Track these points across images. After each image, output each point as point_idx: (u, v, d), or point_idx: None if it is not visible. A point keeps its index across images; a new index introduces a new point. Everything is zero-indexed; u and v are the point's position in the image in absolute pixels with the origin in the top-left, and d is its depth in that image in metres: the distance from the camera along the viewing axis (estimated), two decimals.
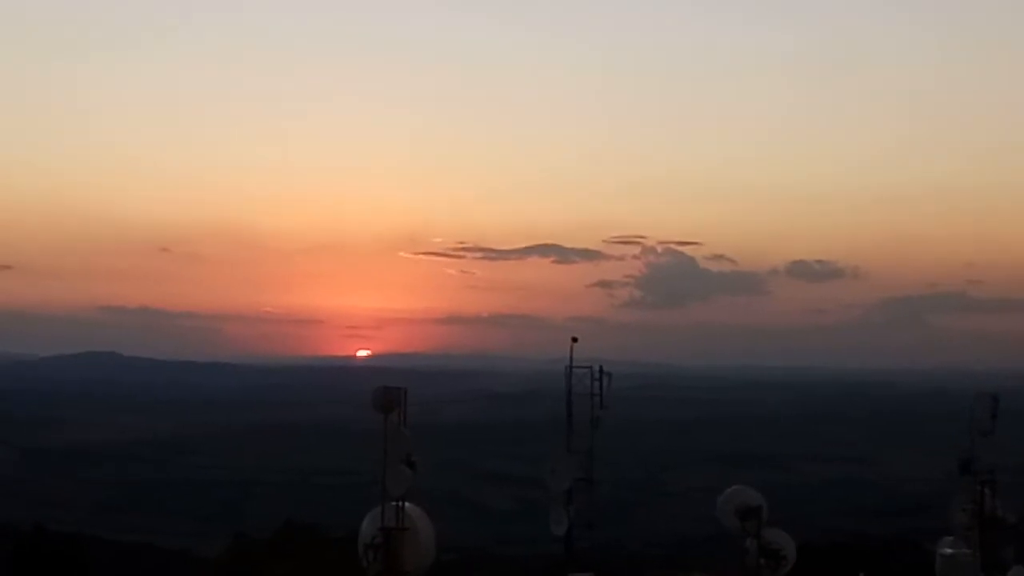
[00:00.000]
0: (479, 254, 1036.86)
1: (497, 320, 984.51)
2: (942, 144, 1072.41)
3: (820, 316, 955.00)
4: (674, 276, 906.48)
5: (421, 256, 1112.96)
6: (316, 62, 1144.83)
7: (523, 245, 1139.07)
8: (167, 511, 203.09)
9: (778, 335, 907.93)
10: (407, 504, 32.17)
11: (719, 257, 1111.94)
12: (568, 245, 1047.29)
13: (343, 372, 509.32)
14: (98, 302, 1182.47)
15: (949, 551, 37.72)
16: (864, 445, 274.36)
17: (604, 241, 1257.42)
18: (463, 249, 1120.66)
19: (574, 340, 37.36)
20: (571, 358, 37.24)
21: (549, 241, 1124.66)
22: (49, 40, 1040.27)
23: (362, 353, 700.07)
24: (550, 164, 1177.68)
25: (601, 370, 37.25)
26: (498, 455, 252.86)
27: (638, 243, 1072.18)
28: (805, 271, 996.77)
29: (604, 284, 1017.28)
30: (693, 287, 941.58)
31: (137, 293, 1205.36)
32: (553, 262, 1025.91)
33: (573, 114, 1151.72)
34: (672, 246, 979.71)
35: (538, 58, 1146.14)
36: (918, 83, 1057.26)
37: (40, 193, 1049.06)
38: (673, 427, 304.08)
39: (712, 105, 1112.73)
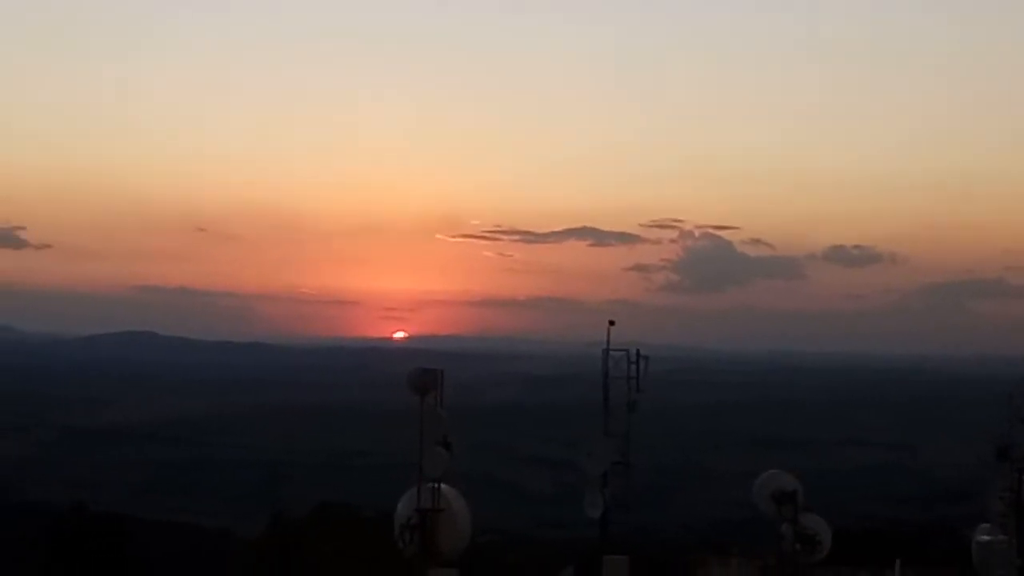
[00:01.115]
0: (516, 237, 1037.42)
1: (533, 303, 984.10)
2: (981, 129, 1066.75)
3: (857, 301, 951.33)
4: (711, 260, 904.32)
5: (458, 238, 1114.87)
6: (356, 47, 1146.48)
7: (560, 228, 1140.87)
8: (204, 491, 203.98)
9: (815, 320, 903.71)
10: (443, 485, 32.26)
11: (756, 241, 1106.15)
12: (605, 228, 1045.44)
13: (379, 354, 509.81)
14: (136, 282, 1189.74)
15: (985, 538, 37.62)
16: (900, 431, 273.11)
17: (641, 224, 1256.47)
18: (500, 232, 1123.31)
19: (611, 323, 37.33)
20: (608, 341, 37.23)
21: (586, 224, 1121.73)
22: (89, 23, 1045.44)
23: (398, 335, 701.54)
24: (588, 147, 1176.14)
25: (638, 353, 37.22)
26: (534, 438, 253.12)
27: (675, 227, 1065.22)
28: (843, 256, 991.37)
29: (641, 268, 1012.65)
30: (730, 271, 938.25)
31: (175, 273, 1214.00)
32: (590, 245, 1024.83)
33: (612, 97, 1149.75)
34: (709, 230, 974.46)
35: (576, 41, 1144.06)
36: (959, 68, 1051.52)
37: (78, 174, 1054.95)
38: (709, 411, 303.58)
39: (751, 89, 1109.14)
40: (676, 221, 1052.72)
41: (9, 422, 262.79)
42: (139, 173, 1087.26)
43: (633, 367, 37.11)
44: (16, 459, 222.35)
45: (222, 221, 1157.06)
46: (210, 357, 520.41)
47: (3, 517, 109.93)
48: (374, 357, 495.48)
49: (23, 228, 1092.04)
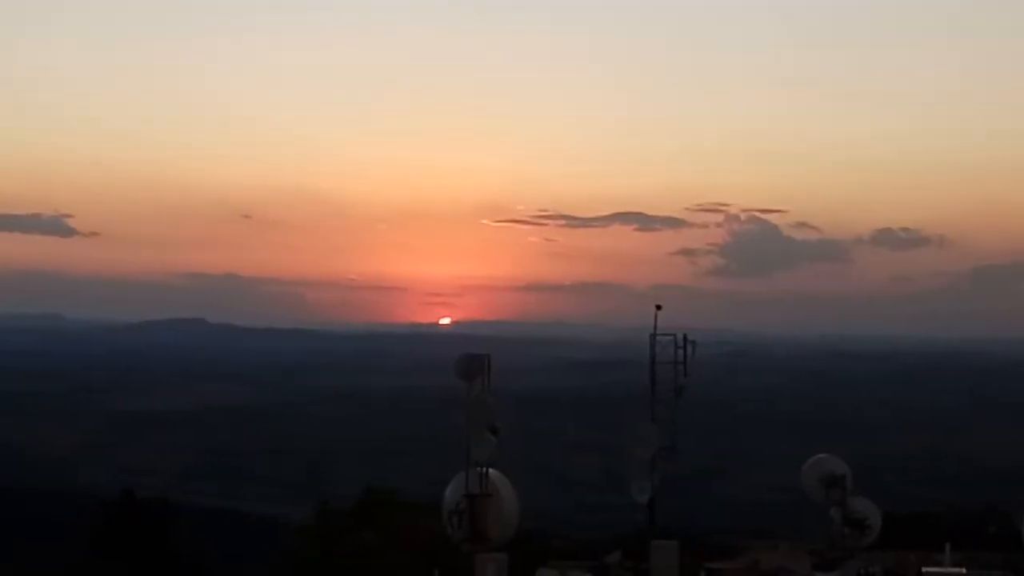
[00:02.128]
0: (561, 221, 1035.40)
1: (579, 288, 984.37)
2: None
3: (905, 284, 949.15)
4: (758, 244, 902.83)
5: (503, 223, 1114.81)
6: (400, 31, 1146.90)
7: (606, 212, 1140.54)
8: (251, 477, 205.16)
9: (862, 303, 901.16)
10: (491, 470, 32.20)
11: (803, 225, 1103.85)
12: (651, 212, 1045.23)
13: (425, 339, 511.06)
14: (184, 269, 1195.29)
15: None
16: (950, 414, 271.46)
17: (687, 209, 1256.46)
18: (545, 217, 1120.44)
19: (658, 308, 37.20)
20: (655, 326, 37.09)
21: (632, 209, 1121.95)
22: (134, 10, 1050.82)
23: (444, 321, 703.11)
24: (633, 131, 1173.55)
25: (685, 338, 37.09)
26: (580, 423, 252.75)
27: (721, 211, 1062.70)
28: (890, 239, 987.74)
29: (687, 252, 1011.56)
30: (777, 255, 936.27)
31: (222, 260, 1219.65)
32: (636, 230, 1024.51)
33: (657, 80, 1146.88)
34: (756, 213, 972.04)
35: (621, 23, 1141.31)
36: (1008, 49, 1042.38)
37: (125, 162, 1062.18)
38: (757, 395, 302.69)
39: (796, 71, 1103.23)
40: (722, 205, 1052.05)
41: (58, 409, 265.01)
42: (186, 160, 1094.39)
43: (680, 352, 37.00)
44: (65, 445, 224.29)
45: (268, 207, 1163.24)
46: (257, 343, 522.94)
47: (52, 503, 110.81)
48: (420, 343, 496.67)
49: (71, 216, 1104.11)
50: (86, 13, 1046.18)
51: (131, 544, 54.36)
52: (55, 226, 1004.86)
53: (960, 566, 36.88)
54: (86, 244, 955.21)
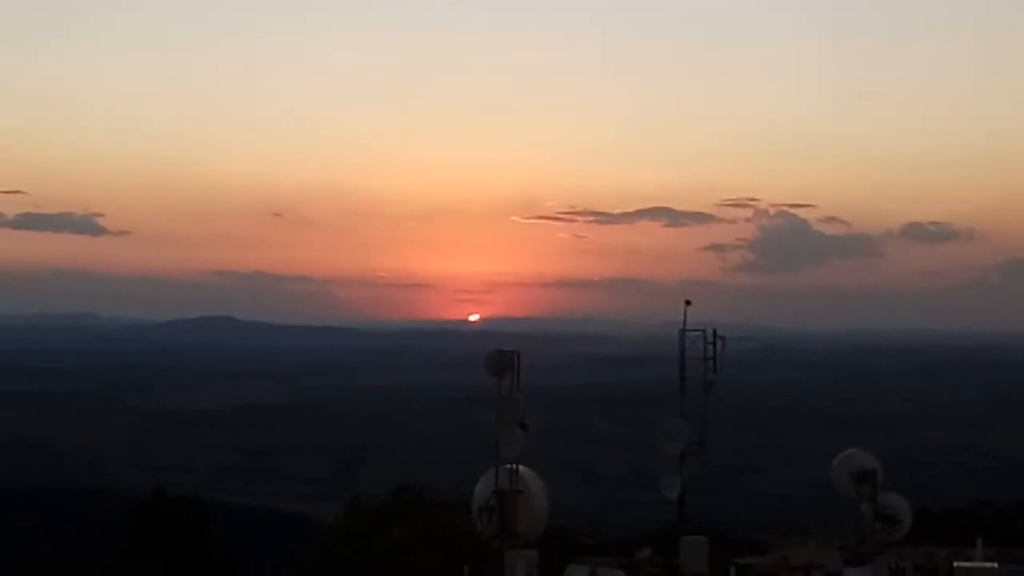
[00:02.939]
0: (590, 218, 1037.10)
1: (608, 284, 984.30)
2: None
3: (935, 279, 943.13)
4: (787, 238, 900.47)
5: (533, 220, 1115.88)
6: (430, 30, 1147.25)
7: (634, 208, 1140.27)
8: (282, 474, 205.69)
9: (892, 298, 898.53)
10: (521, 467, 32.21)
11: (832, 219, 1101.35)
12: (679, 208, 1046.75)
13: (454, 336, 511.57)
14: (213, 267, 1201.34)
15: None
16: (981, 409, 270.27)
17: (716, 204, 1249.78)
18: (574, 213, 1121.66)
19: (687, 303, 37.13)
20: (684, 321, 37.04)
21: (660, 204, 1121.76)
22: (164, 12, 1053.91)
23: (473, 317, 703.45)
24: (661, 127, 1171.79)
25: (715, 333, 37.02)
26: (610, 419, 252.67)
27: (750, 206, 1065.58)
28: (920, 233, 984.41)
29: (716, 247, 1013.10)
30: (806, 250, 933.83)
31: (252, 258, 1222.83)
32: (664, 225, 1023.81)
33: (685, 76, 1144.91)
34: (785, 208, 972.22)
35: (650, 20, 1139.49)
36: None
37: (155, 161, 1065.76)
38: (786, 390, 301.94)
39: (825, 67, 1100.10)
40: (751, 200, 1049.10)
41: (90, 407, 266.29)
42: (215, 159, 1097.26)
43: (710, 347, 36.92)
44: (97, 443, 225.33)
45: (298, 206, 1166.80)
46: (287, 341, 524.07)
47: (85, 500, 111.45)
48: (449, 339, 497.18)
49: (102, 215, 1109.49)
50: (114, 13, 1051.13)
51: (164, 542, 54.60)
52: (86, 225, 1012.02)
53: (992, 561, 36.74)
54: (117, 243, 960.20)
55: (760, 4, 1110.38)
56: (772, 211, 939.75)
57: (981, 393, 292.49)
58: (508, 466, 31.97)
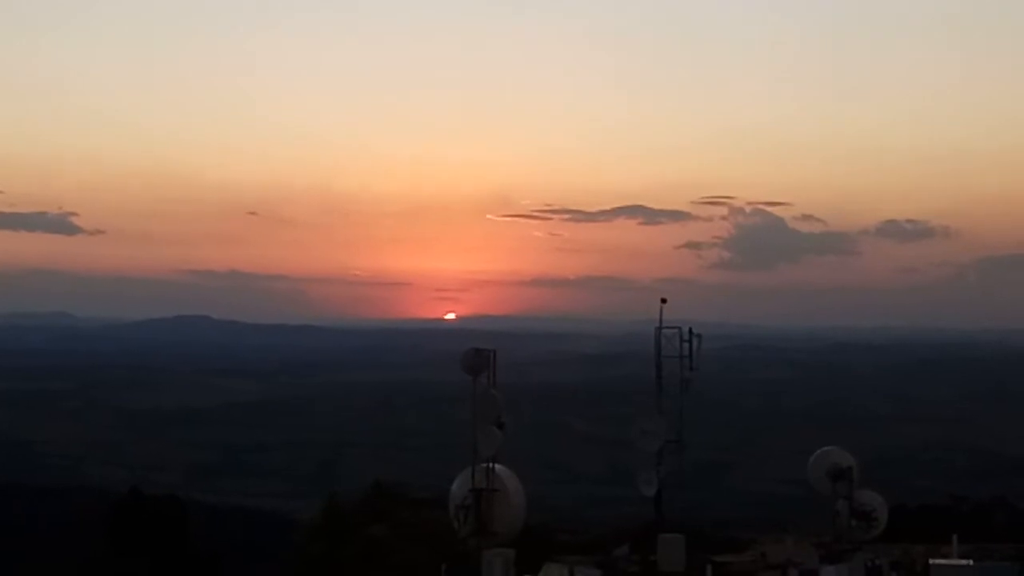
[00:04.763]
0: (566, 216, 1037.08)
1: (584, 282, 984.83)
2: None
3: (911, 276, 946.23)
4: (763, 236, 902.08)
5: (508, 218, 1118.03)
6: (404, 28, 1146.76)
7: (610, 207, 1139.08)
8: (259, 473, 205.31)
9: (868, 295, 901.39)
10: (497, 465, 32.27)
11: (808, 217, 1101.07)
12: (655, 206, 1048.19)
13: (431, 334, 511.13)
14: (189, 266, 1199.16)
15: None
16: (956, 406, 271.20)
17: (692, 202, 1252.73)
18: (550, 211, 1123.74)
19: (663, 301, 37.21)
20: (660, 319, 37.12)
21: (636, 202, 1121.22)
22: (141, 11, 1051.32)
23: (449, 316, 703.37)
24: (637, 125, 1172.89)
25: (691, 331, 37.11)
26: (586, 417, 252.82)
27: (726, 203, 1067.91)
28: (896, 231, 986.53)
29: (692, 245, 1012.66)
30: (782, 247, 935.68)
31: (227, 257, 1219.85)
32: (640, 223, 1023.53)
33: (661, 74, 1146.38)
34: (761, 206, 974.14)
35: (625, 18, 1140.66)
36: (1009, 40, 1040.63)
37: (129, 160, 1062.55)
38: (763, 388, 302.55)
39: (801, 65, 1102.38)
40: (727, 198, 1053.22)
41: (66, 406, 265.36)
42: (191, 157, 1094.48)
43: (686, 345, 37.00)
44: (74, 442, 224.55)
45: (273, 204, 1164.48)
46: (263, 340, 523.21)
47: (61, 499, 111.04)
48: (426, 338, 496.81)
49: (76, 214, 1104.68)
50: (88, 12, 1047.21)
51: (142, 541, 54.50)
52: (60, 224, 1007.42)
53: (967, 558, 36.91)
54: (91, 242, 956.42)
55: (737, 3, 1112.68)
56: (748, 209, 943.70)
57: (957, 390, 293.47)
58: (485, 464, 32.03)
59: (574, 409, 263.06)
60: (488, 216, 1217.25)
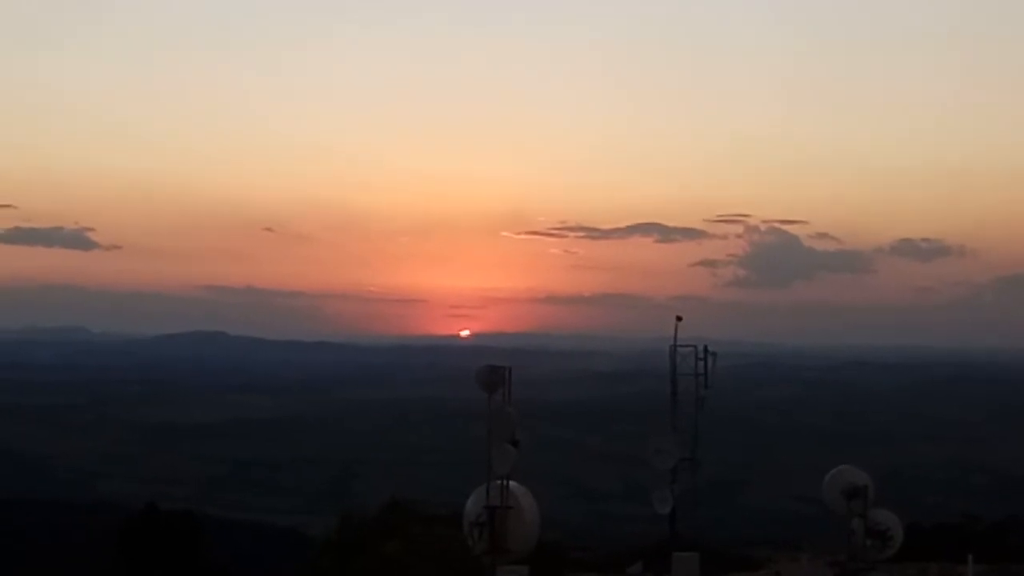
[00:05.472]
0: (581, 233, 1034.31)
1: (599, 299, 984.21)
2: None
3: (927, 295, 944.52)
4: (778, 255, 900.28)
5: (523, 235, 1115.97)
6: (421, 44, 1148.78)
7: (625, 224, 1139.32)
8: (274, 489, 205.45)
9: (884, 314, 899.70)
10: (512, 483, 32.25)
11: (824, 235, 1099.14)
12: (671, 224, 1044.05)
13: (445, 351, 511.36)
14: (205, 282, 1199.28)
15: None
16: (972, 425, 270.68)
17: (707, 220, 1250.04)
18: (565, 228, 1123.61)
19: (678, 319, 37.17)
20: (675, 337, 37.08)
21: (651, 220, 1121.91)
22: (157, 26, 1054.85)
23: (464, 333, 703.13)
24: (653, 142, 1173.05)
25: (706, 349, 37.04)
26: (602, 434, 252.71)
27: (741, 221, 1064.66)
28: (911, 249, 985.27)
29: (707, 263, 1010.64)
30: (798, 266, 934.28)
31: (243, 273, 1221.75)
32: (655, 241, 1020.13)
33: (677, 91, 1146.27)
34: (776, 224, 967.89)
35: (639, 34, 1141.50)
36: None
37: (146, 175, 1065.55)
38: (778, 406, 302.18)
39: (817, 82, 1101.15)
40: (742, 216, 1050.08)
41: (81, 421, 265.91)
42: (207, 172, 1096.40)
43: (701, 363, 36.96)
44: (88, 457, 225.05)
45: (289, 220, 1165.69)
46: (279, 356, 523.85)
47: (76, 514, 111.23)
48: (441, 355, 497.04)
49: (92, 229, 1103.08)
50: (106, 26, 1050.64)
51: (156, 556, 54.53)
52: (76, 240, 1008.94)
53: None
54: (107, 257, 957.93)
55: (753, 18, 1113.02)
56: (763, 227, 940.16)
57: (972, 409, 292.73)
58: (499, 482, 32.02)
59: (589, 427, 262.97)
60: (503, 233, 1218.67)
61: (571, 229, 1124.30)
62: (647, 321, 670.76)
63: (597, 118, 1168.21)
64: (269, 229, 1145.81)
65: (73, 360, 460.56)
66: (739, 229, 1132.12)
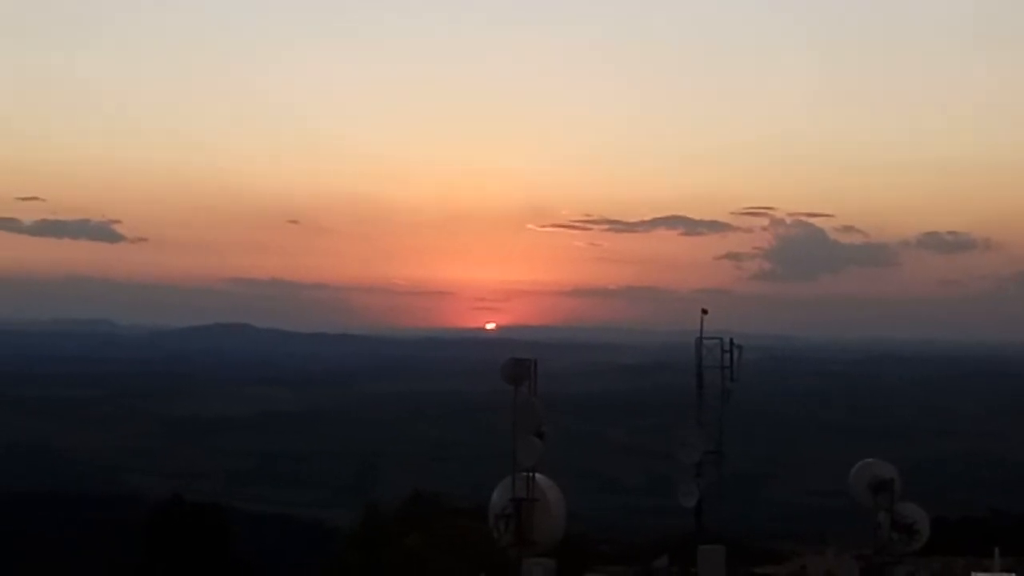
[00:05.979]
0: (606, 226, 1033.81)
1: (624, 292, 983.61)
2: None
3: (952, 288, 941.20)
4: (804, 248, 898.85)
5: (549, 228, 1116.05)
6: (445, 38, 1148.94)
7: (650, 217, 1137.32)
8: (299, 481, 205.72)
9: (909, 307, 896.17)
10: (537, 475, 32.19)
11: (849, 229, 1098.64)
12: (696, 217, 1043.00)
13: (471, 344, 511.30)
14: (230, 274, 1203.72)
15: None
16: (999, 418, 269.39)
17: (732, 213, 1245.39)
18: (590, 221, 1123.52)
19: (704, 312, 37.03)
20: (701, 330, 36.95)
21: (677, 213, 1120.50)
22: (184, 21, 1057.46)
23: (490, 326, 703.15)
24: (678, 135, 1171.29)
25: (731, 342, 36.89)
26: (626, 427, 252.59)
27: (767, 215, 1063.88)
28: (937, 243, 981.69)
29: (732, 256, 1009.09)
30: (823, 259, 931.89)
31: (268, 265, 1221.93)
32: (681, 234, 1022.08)
33: (703, 84, 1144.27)
34: (801, 217, 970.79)
35: (667, 28, 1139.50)
36: None
37: (172, 168, 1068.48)
38: (803, 399, 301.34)
39: (843, 76, 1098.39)
40: (768, 208, 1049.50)
41: (107, 413, 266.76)
42: (233, 166, 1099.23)
43: (726, 356, 36.82)
44: (113, 450, 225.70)
45: (315, 213, 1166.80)
46: (304, 348, 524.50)
47: (101, 506, 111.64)
48: (466, 348, 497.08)
49: (118, 222, 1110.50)
50: (134, 21, 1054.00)
51: (182, 548, 54.61)
52: (103, 232, 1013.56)
53: (1009, 571, 36.55)
54: (133, 250, 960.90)
55: (779, 10, 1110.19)
56: (789, 220, 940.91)
57: (999, 402, 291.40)
58: (525, 474, 31.96)
59: (614, 419, 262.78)
60: (528, 226, 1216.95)
61: (596, 222, 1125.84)
62: (672, 314, 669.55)
63: (622, 111, 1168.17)
64: (294, 222, 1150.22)
65: (99, 352, 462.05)
66: (764, 222, 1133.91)
